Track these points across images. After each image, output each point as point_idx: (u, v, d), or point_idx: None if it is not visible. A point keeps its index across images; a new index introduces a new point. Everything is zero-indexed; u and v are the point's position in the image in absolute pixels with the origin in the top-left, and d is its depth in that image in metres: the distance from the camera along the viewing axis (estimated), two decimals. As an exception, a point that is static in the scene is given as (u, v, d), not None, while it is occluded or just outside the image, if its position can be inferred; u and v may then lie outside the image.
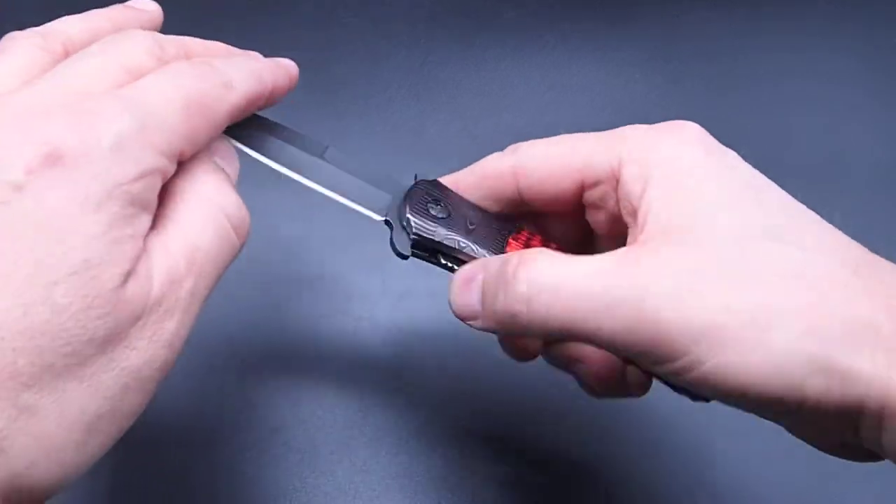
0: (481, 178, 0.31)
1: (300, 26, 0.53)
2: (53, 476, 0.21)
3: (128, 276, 0.22)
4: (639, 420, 0.41)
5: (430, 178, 0.31)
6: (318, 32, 0.53)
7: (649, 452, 0.40)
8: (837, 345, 0.22)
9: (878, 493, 0.39)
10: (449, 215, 0.30)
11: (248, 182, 0.47)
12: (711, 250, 0.24)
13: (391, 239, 0.31)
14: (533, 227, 0.32)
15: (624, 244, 0.27)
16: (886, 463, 0.24)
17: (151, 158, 0.23)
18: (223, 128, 0.27)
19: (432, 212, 0.30)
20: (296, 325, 0.43)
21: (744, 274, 0.23)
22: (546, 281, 0.25)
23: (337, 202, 0.31)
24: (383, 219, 0.31)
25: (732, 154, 0.27)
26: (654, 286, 0.23)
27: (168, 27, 0.52)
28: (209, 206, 0.25)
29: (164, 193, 0.25)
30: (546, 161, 0.29)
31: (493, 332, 0.29)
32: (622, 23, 0.55)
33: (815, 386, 0.22)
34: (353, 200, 0.31)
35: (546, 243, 0.31)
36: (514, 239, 0.31)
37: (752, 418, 0.25)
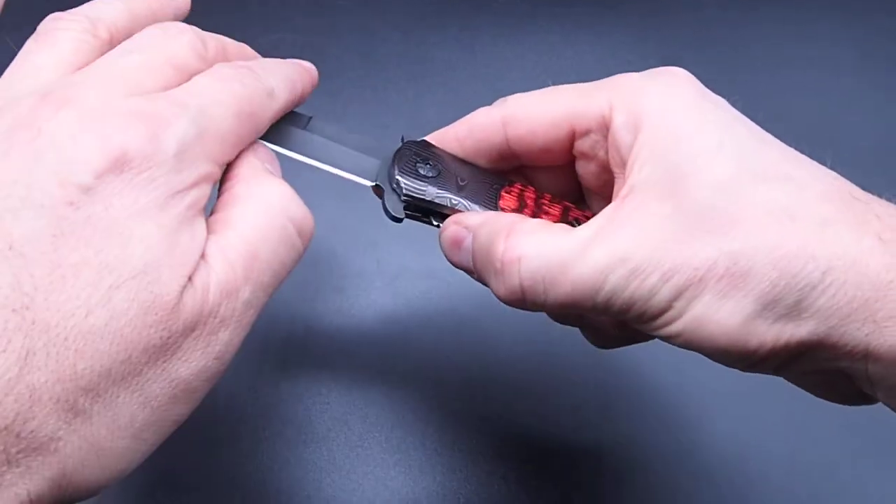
0: (469, 131, 0.30)
1: (296, 8, 0.54)
2: (98, 479, 0.21)
3: (186, 284, 0.22)
4: (635, 392, 0.42)
5: (418, 138, 0.31)
6: (314, 14, 0.53)
7: (645, 425, 0.41)
8: (815, 286, 0.22)
9: (872, 456, 0.40)
10: (439, 174, 0.30)
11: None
12: (695, 202, 0.24)
13: (383, 203, 0.30)
14: (524, 182, 0.31)
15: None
16: (880, 423, 0.24)
17: (207, 165, 0.23)
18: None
19: (422, 171, 0.30)
20: (290, 305, 0.43)
21: (723, 226, 0.23)
22: (536, 269, 0.25)
23: (326, 172, 0.31)
24: (373, 184, 0.31)
25: (722, 101, 0.26)
26: (636, 254, 0.24)
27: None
28: (273, 211, 0.25)
29: (223, 199, 0.25)
30: (535, 110, 0.28)
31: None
32: (617, 6, 0.55)
33: (783, 331, 0.23)
34: (341, 169, 0.30)
35: (539, 196, 0.31)
36: (506, 192, 0.30)
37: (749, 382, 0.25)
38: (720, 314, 0.23)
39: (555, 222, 0.29)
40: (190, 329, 0.22)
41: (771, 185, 0.24)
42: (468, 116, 0.30)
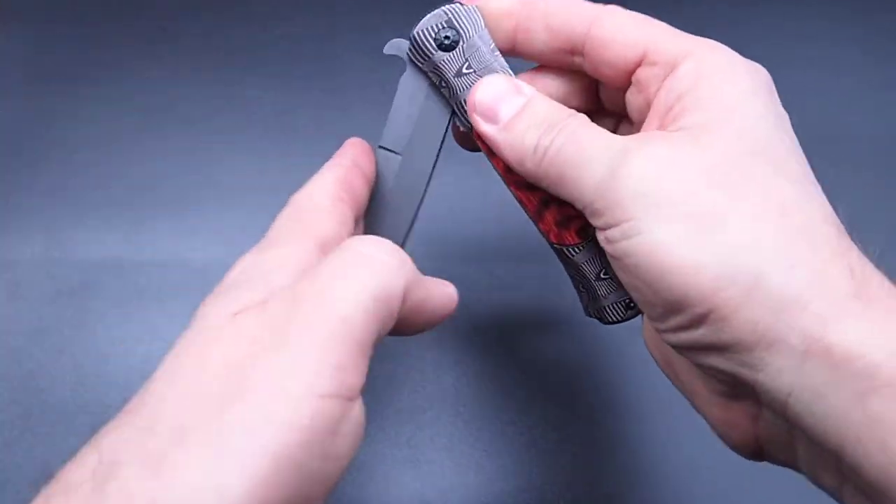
0: (562, 6, 0.29)
1: (297, 6, 0.53)
2: None
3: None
4: (655, 393, 0.42)
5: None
6: (320, 10, 0.53)
7: (660, 426, 0.41)
8: (776, 272, 0.23)
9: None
10: (453, 48, 0.30)
11: (253, 158, 0.47)
12: (710, 154, 0.25)
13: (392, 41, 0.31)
14: None
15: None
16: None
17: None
18: None
19: (439, 36, 0.30)
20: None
21: (724, 182, 0.24)
22: (581, 137, 0.26)
23: None
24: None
25: (783, 112, 0.27)
26: (635, 155, 0.25)
27: (170, 7, 0.52)
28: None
29: None
30: (627, 23, 0.28)
31: (485, 140, 0.29)
32: (618, 5, 0.55)
33: (731, 296, 0.23)
34: None
35: None
36: None
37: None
38: (679, 247, 0.24)
39: None
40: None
41: (783, 180, 0.24)
42: None
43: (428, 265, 0.44)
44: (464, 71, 0.30)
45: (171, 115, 0.48)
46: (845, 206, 0.26)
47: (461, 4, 0.30)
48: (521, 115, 0.28)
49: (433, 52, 0.30)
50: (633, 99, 0.30)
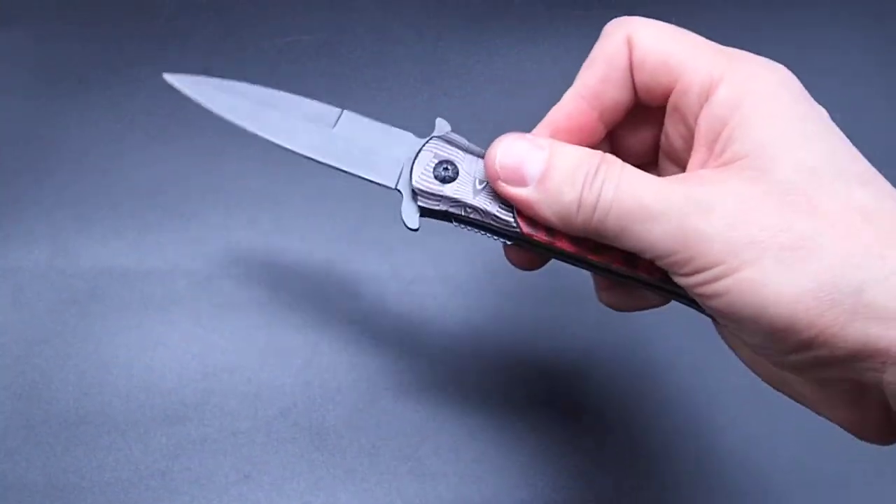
0: (604, 62, 0.29)
1: (312, 11, 0.53)
2: None
3: None
4: (661, 400, 0.41)
5: (446, 131, 0.30)
6: (330, 17, 0.53)
7: (670, 432, 0.41)
8: (876, 282, 0.23)
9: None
10: (457, 175, 0.29)
11: (261, 166, 0.47)
12: (778, 182, 0.24)
13: (400, 213, 0.30)
14: None
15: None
16: None
17: None
18: None
19: (439, 174, 0.29)
20: (304, 309, 0.43)
21: (800, 206, 0.24)
22: (631, 188, 0.26)
23: (347, 172, 0.30)
24: (394, 188, 0.30)
25: (822, 110, 0.27)
26: (709, 204, 0.25)
27: (177, 13, 0.52)
28: None
29: None
30: (659, 43, 0.28)
31: (520, 207, 0.28)
32: (634, 10, 0.55)
33: (834, 318, 0.23)
34: (363, 173, 0.30)
35: None
36: None
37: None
38: (777, 280, 0.24)
39: None
40: None
41: (854, 185, 0.24)
42: (592, 56, 0.30)
43: (433, 273, 0.44)
44: (478, 187, 0.29)
45: (178, 122, 0.48)
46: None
47: (436, 137, 0.30)
48: (550, 170, 0.27)
49: (441, 189, 0.29)
50: (672, 128, 0.29)
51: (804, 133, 0.25)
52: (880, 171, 0.26)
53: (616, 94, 0.29)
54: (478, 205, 0.29)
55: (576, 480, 0.40)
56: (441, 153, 0.30)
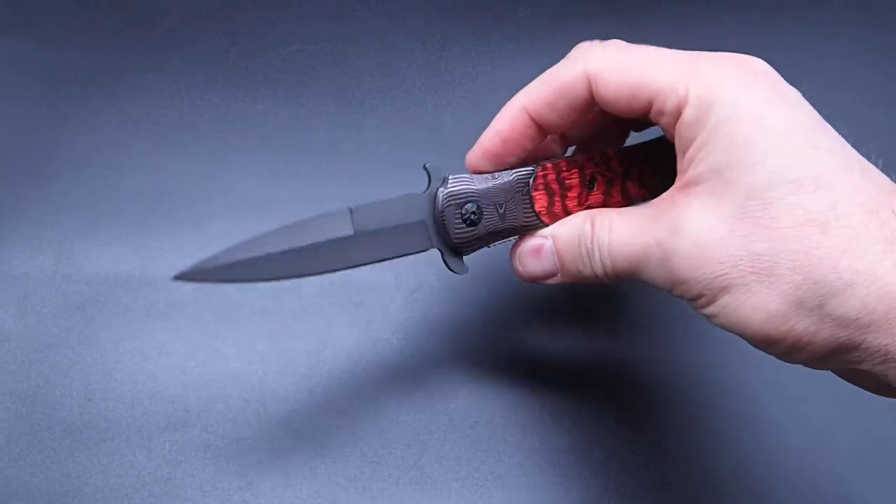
0: (556, 88, 0.31)
1: (316, 20, 0.53)
2: None
3: None
4: (668, 415, 0.41)
5: (443, 174, 0.33)
6: (334, 26, 0.53)
7: (682, 444, 0.41)
8: (834, 297, 0.24)
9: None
10: (481, 210, 0.32)
11: (265, 174, 0.47)
12: (737, 204, 0.26)
13: (446, 264, 0.33)
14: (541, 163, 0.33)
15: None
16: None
17: None
18: None
19: (465, 218, 0.32)
20: (307, 318, 0.43)
21: (758, 227, 0.26)
22: (620, 246, 0.29)
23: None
24: (434, 248, 0.33)
25: (794, 94, 0.28)
26: (677, 241, 0.27)
27: (181, 20, 0.52)
28: None
29: None
30: (620, 77, 0.29)
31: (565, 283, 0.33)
32: (636, 20, 0.55)
33: (804, 330, 0.25)
34: (396, 256, 0.32)
35: (558, 172, 0.33)
36: (535, 192, 0.32)
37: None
38: (747, 305, 0.26)
39: (578, 186, 0.33)
40: None
41: (808, 195, 0.25)
42: (548, 73, 0.32)
43: (437, 282, 0.44)
44: (500, 211, 0.33)
45: (182, 129, 0.48)
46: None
47: (443, 190, 0.32)
48: (562, 259, 0.32)
49: (475, 231, 0.32)
50: (666, 131, 0.30)
51: (763, 147, 0.26)
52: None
53: (559, 120, 0.32)
54: (508, 225, 0.32)
55: (579, 492, 0.40)
56: (458, 201, 0.32)
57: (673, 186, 0.29)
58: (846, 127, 0.52)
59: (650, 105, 0.29)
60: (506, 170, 0.33)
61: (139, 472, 0.39)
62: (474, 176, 0.33)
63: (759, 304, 0.26)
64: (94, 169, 0.47)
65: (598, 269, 0.30)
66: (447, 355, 0.42)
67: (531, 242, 0.33)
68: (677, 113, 0.28)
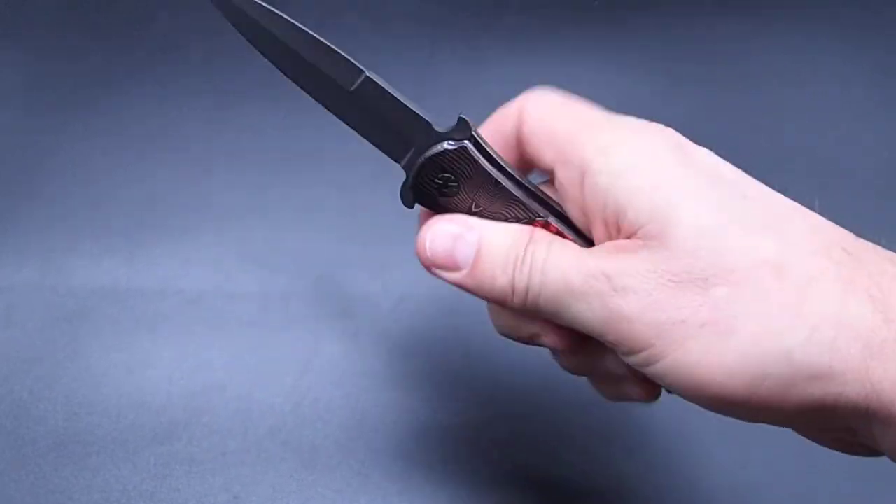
0: (494, 121, 0.30)
1: (303, 25, 0.53)
2: None
3: None
4: (648, 434, 0.41)
5: (473, 129, 0.29)
6: (321, 32, 0.53)
7: (655, 469, 0.40)
8: (801, 344, 0.22)
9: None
10: (457, 192, 0.29)
11: (253, 183, 0.47)
12: (681, 250, 0.23)
13: (401, 186, 0.30)
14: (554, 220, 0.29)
15: None
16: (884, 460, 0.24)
17: None
18: None
19: (441, 182, 0.29)
20: (295, 327, 0.43)
21: (710, 271, 0.23)
22: (558, 266, 0.26)
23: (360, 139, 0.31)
24: (402, 166, 0.30)
25: (703, 153, 0.26)
26: (623, 283, 0.24)
27: (169, 29, 0.52)
28: None
29: None
30: (542, 126, 0.28)
31: (464, 289, 0.28)
32: (626, 25, 0.55)
33: (772, 387, 0.22)
34: (372, 142, 0.30)
35: (563, 235, 0.29)
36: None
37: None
38: (704, 362, 0.23)
39: None
40: None
41: (758, 238, 0.23)
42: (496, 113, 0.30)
43: (424, 291, 0.44)
44: (473, 209, 0.29)
45: (170, 139, 0.48)
46: (851, 229, 0.25)
47: (447, 149, 0.29)
48: (481, 255, 0.27)
49: (433, 195, 0.29)
50: (567, 200, 0.28)
51: (695, 191, 0.24)
52: (873, 179, 0.25)
53: (503, 153, 0.29)
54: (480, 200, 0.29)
55: (573, 498, 0.39)
56: (452, 163, 0.29)
57: (602, 240, 0.26)
58: (846, 127, 0.53)
59: (560, 155, 0.27)
60: (518, 197, 0.29)
61: (124, 487, 0.39)
62: (497, 171, 0.29)
63: (719, 360, 0.23)
64: (80, 180, 0.47)
65: (521, 285, 0.26)
66: (435, 366, 0.42)
67: (453, 227, 0.28)
68: (585, 167, 0.26)
